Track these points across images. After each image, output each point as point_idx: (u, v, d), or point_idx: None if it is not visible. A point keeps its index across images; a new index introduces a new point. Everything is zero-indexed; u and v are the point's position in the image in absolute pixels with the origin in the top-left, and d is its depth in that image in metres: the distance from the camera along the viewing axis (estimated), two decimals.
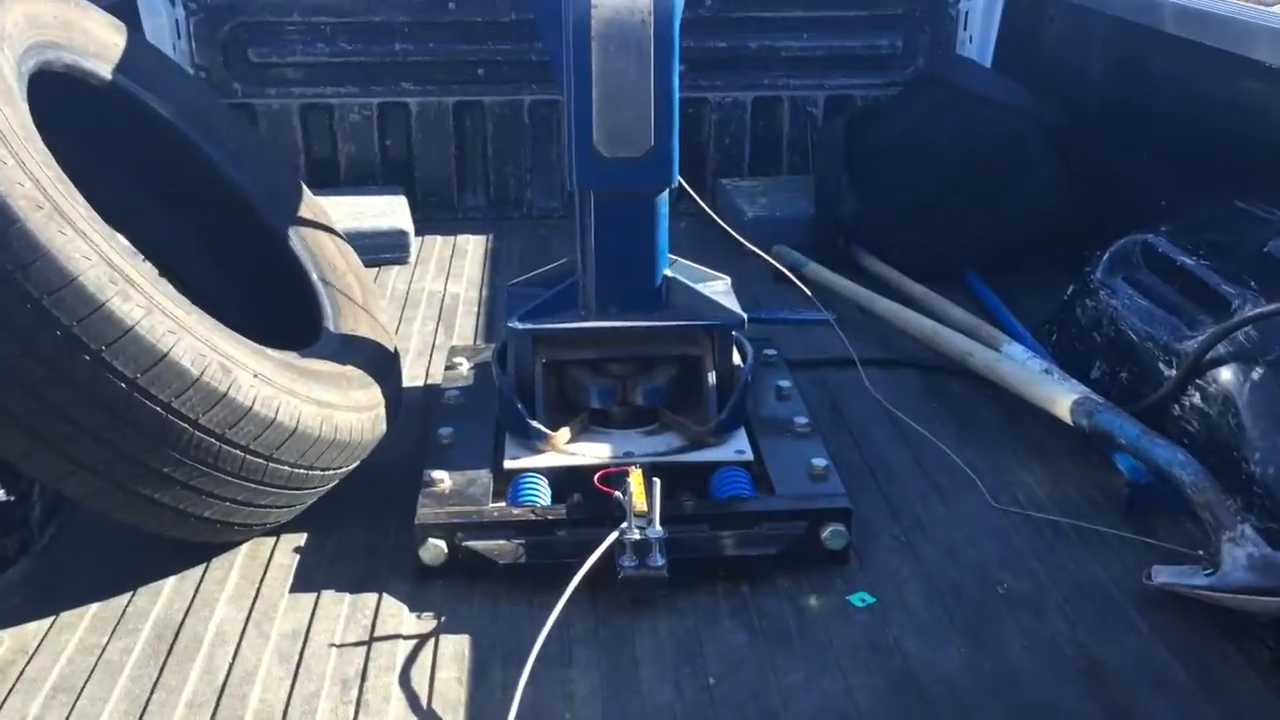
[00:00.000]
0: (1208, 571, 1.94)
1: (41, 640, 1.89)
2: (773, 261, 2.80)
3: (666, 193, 2.23)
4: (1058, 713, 1.76)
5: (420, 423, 2.50)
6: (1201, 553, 2.01)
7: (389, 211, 3.70)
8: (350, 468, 2.14)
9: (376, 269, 3.54)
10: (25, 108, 1.85)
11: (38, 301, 1.64)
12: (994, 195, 3.44)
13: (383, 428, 2.21)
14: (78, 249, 1.67)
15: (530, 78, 3.96)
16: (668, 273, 2.30)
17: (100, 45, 2.38)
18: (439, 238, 3.82)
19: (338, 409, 2.05)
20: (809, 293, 2.72)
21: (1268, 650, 1.86)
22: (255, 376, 1.86)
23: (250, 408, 1.84)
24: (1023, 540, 2.17)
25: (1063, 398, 2.41)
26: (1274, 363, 2.22)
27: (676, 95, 2.12)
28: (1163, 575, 1.99)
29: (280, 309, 2.48)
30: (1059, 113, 3.50)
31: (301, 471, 1.99)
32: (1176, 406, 2.34)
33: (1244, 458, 2.13)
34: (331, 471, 2.08)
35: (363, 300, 2.54)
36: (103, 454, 1.76)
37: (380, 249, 3.54)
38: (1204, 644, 1.89)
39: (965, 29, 4.03)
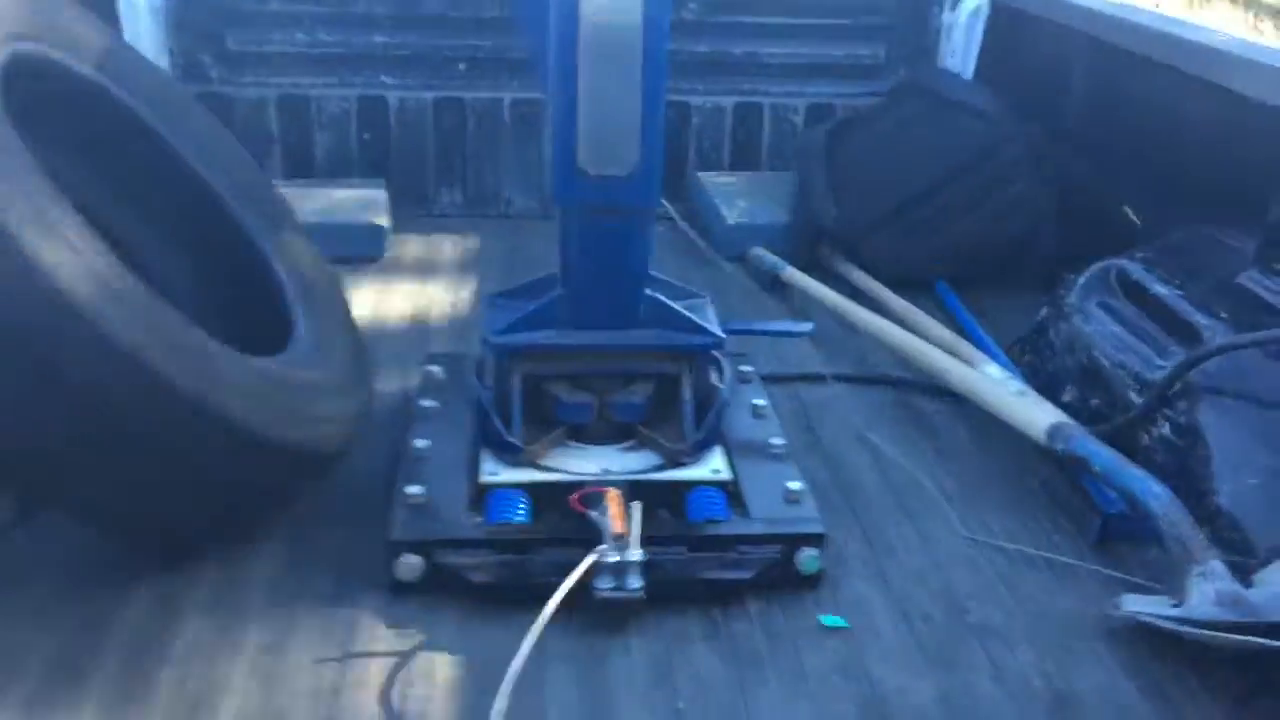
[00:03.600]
0: (1175, 604, 1.97)
1: (7, 651, 1.87)
2: (749, 268, 2.79)
3: (650, 210, 2.23)
4: None
5: (393, 432, 2.48)
6: (1166, 589, 2.03)
7: (366, 206, 3.66)
8: (321, 475, 2.13)
9: (351, 266, 3.50)
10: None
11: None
12: (968, 206, 3.46)
13: (352, 436, 2.20)
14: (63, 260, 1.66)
15: (512, 75, 3.94)
16: (648, 290, 2.30)
17: (71, 38, 2.34)
18: (414, 235, 3.79)
19: (313, 421, 2.04)
20: (785, 306, 2.73)
21: (1232, 689, 1.89)
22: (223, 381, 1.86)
23: (221, 414, 1.83)
24: (992, 568, 2.20)
25: (1039, 422, 2.43)
26: (1243, 395, 2.26)
27: (662, 116, 2.12)
28: (1131, 604, 2.01)
29: (250, 311, 2.46)
30: (1037, 127, 3.53)
31: (270, 481, 1.98)
32: (1145, 436, 2.37)
33: (1211, 489, 2.16)
34: (303, 480, 2.07)
35: (335, 306, 2.53)
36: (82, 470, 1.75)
37: (354, 244, 3.49)
38: (1170, 678, 1.91)
39: (948, 41, 4.05)
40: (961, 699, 1.86)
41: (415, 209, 3.95)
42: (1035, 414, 2.48)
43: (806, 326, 2.85)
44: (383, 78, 3.93)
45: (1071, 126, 3.59)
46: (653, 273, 2.33)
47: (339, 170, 3.95)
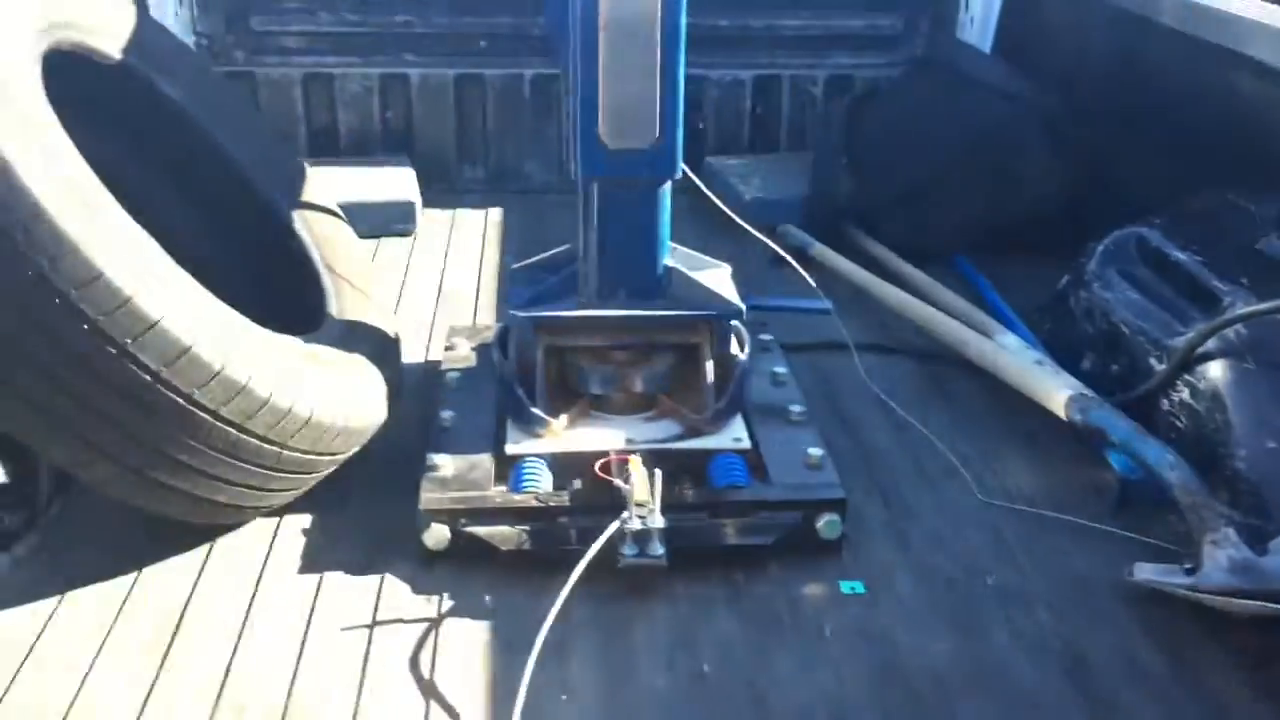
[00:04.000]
0: (1188, 568, 1.99)
1: (49, 619, 1.93)
2: (777, 249, 2.82)
3: (669, 183, 2.26)
4: (1041, 704, 1.81)
5: (420, 403, 2.52)
6: (1183, 552, 2.05)
7: (397, 183, 3.71)
8: (355, 450, 2.18)
9: (376, 242, 3.55)
10: (43, 94, 1.86)
11: (66, 296, 1.66)
12: (987, 181, 3.47)
13: (385, 413, 2.24)
14: (103, 242, 1.69)
15: (531, 51, 3.96)
16: (668, 261, 2.33)
17: (105, 22, 2.38)
18: (437, 210, 3.83)
19: (347, 397, 2.08)
20: (810, 280, 2.74)
21: (1251, 651, 1.91)
22: (273, 368, 1.90)
23: (268, 399, 1.87)
24: (1011, 532, 2.22)
25: (1058, 393, 2.44)
26: (1263, 360, 2.27)
27: (682, 87, 2.14)
28: (1144, 572, 2.04)
29: (281, 289, 2.50)
30: (1056, 100, 3.52)
31: (312, 457, 2.03)
32: (1165, 401, 2.38)
33: (1230, 454, 2.18)
34: (339, 456, 2.12)
35: (362, 281, 2.57)
36: (123, 443, 1.80)
37: (387, 221, 3.57)
38: (1187, 641, 1.94)
39: (966, 11, 4.04)
40: (979, 660, 1.90)
41: (438, 185, 3.99)
42: (1053, 385, 2.50)
43: (826, 304, 2.87)
44: (405, 55, 3.95)
45: (1090, 95, 3.58)
46: (673, 244, 2.36)
47: (362, 148, 3.99)
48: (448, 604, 1.99)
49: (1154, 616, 1.99)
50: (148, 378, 1.74)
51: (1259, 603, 1.83)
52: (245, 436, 1.89)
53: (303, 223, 2.57)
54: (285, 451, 1.96)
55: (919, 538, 2.21)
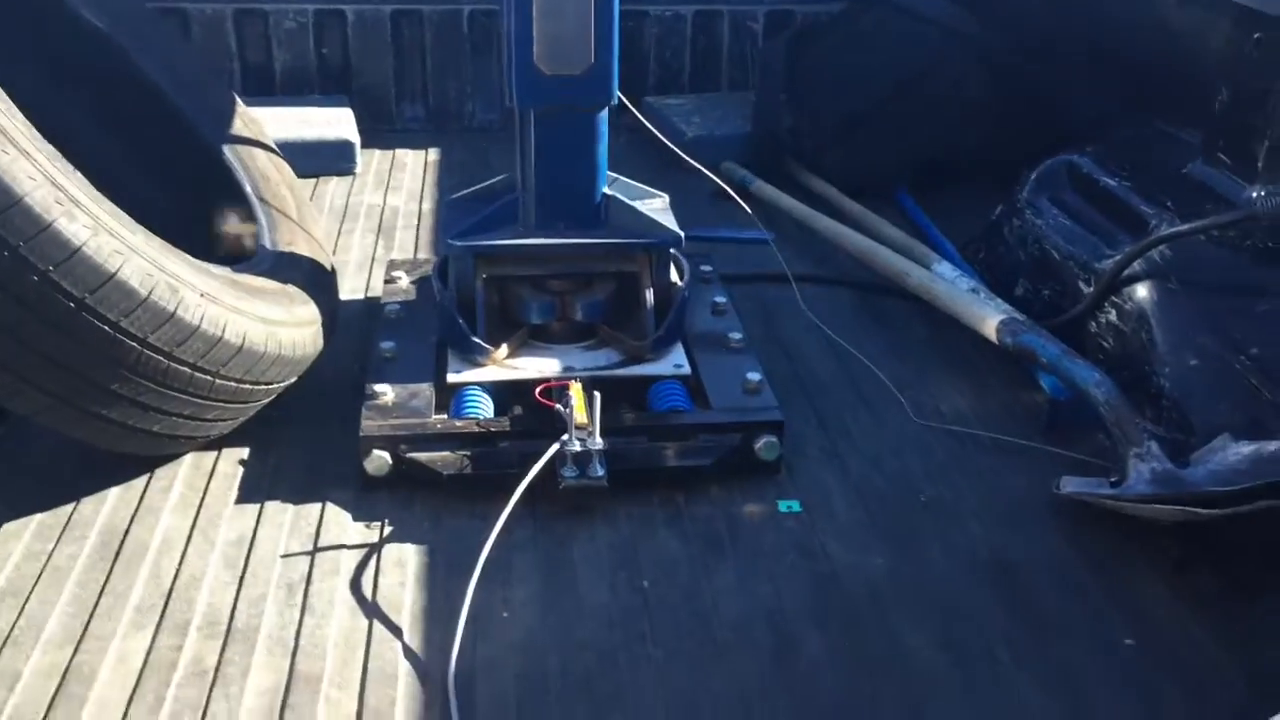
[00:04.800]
0: (1114, 481, 2.05)
1: None
2: (719, 181, 2.83)
3: (606, 110, 2.26)
4: (972, 613, 1.86)
5: (360, 336, 2.53)
6: (1110, 467, 2.11)
7: (335, 122, 3.67)
8: (291, 381, 2.17)
9: (315, 180, 3.52)
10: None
11: None
12: (925, 115, 3.50)
13: (322, 342, 2.23)
14: (22, 169, 1.67)
15: None
16: (607, 190, 2.33)
17: None
18: (377, 150, 3.79)
19: (281, 325, 2.07)
20: (751, 212, 2.77)
21: (1172, 557, 1.98)
22: (201, 295, 1.88)
23: (197, 326, 1.86)
24: (945, 452, 2.27)
25: (990, 318, 2.49)
26: (1186, 280, 2.33)
27: (616, 11, 2.14)
28: (1070, 485, 2.10)
29: (214, 222, 2.48)
30: (993, 33, 3.55)
31: (246, 386, 2.02)
32: (1093, 323, 2.44)
33: (1155, 372, 2.24)
34: (275, 385, 2.11)
35: (298, 214, 2.55)
36: (50, 372, 1.78)
37: (327, 159, 3.53)
38: (1111, 549, 2.00)
39: None
40: (912, 571, 1.95)
41: (378, 124, 3.95)
42: (985, 310, 2.54)
43: (765, 235, 2.90)
44: None
45: (1024, 27, 3.61)
46: (612, 174, 2.37)
47: (299, 87, 3.94)
48: (389, 529, 2.01)
49: (1080, 528, 2.05)
50: (72, 305, 1.72)
51: (1178, 508, 1.89)
52: (176, 365, 1.87)
53: (234, 154, 2.54)
54: (218, 380, 1.95)
55: (855, 459, 2.25)
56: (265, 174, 2.59)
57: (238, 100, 2.79)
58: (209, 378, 1.93)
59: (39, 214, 1.67)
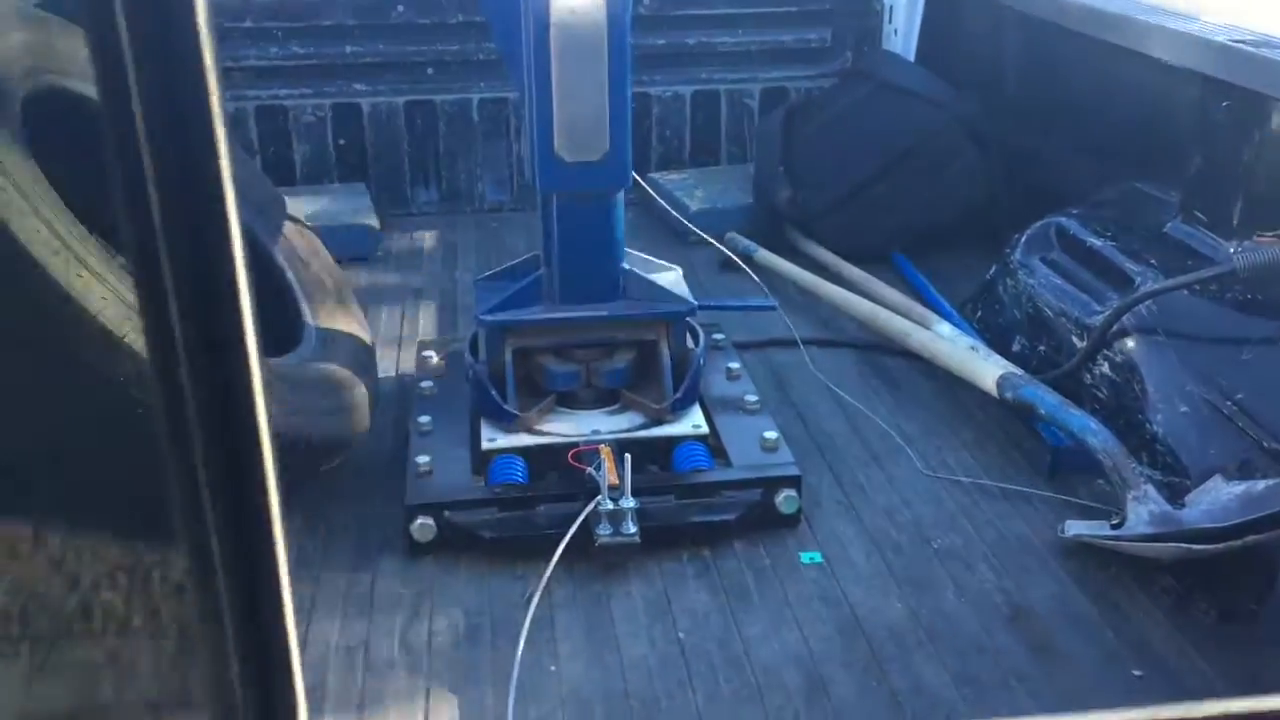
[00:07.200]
0: (1114, 524, 2.19)
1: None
2: (726, 250, 2.99)
3: (622, 192, 2.43)
4: (986, 651, 1.99)
5: (397, 412, 2.67)
6: (1110, 510, 2.25)
7: (355, 209, 3.84)
8: (338, 461, 2.31)
9: (340, 265, 3.68)
10: (26, 149, 1.97)
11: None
12: (917, 183, 3.69)
13: (367, 423, 2.37)
14: (95, 290, 1.82)
15: (479, 76, 4.12)
16: (624, 265, 2.50)
17: (77, 63, 2.50)
18: (394, 232, 3.97)
19: (329, 414, 2.22)
20: (758, 279, 2.92)
21: (1171, 592, 2.11)
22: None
23: None
24: (953, 501, 2.41)
25: (990, 374, 2.64)
26: (1172, 333, 2.48)
27: (629, 102, 2.32)
28: (1074, 528, 2.23)
29: (259, 308, 2.62)
30: (976, 104, 3.75)
31: (296, 473, 2.16)
32: (1087, 375, 2.59)
33: (1147, 419, 2.38)
34: (321, 469, 2.25)
35: (337, 297, 2.70)
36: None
37: (349, 245, 3.68)
38: (1115, 587, 2.13)
39: (890, 22, 4.26)
40: (929, 615, 2.07)
41: (394, 209, 4.13)
42: (984, 367, 2.69)
43: (771, 301, 3.05)
44: (355, 85, 4.09)
45: (1009, 97, 3.81)
46: (628, 249, 2.53)
47: (317, 176, 4.11)
48: (436, 591, 2.13)
49: (1085, 568, 2.19)
50: (140, 411, 1.86)
51: (1175, 545, 2.03)
52: None
53: (273, 239, 2.70)
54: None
55: (870, 511, 2.38)
56: (304, 257, 2.75)
57: (271, 185, 2.94)
58: None
59: (111, 330, 1.82)
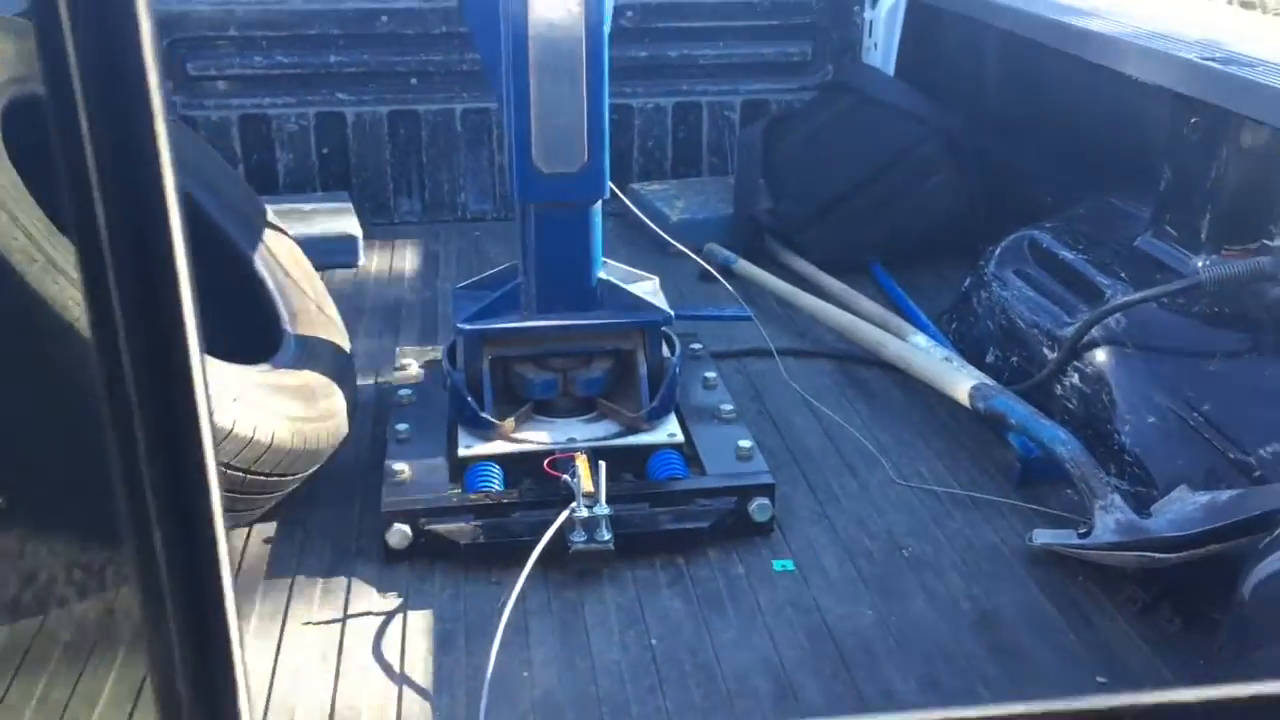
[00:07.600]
0: (1082, 533, 2.22)
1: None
2: (702, 263, 3.02)
3: (599, 203, 2.46)
4: (954, 657, 2.02)
5: (374, 420, 2.69)
6: (1078, 519, 2.28)
7: (338, 217, 3.86)
8: (316, 468, 2.33)
9: (321, 274, 3.70)
10: (5, 156, 1.99)
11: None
12: (896, 196, 3.73)
13: (344, 430, 2.39)
14: (71, 296, 1.84)
15: (461, 86, 4.15)
16: (601, 275, 2.52)
17: None
18: (377, 241, 3.98)
19: (307, 421, 2.23)
20: (732, 290, 2.96)
21: (1137, 600, 2.14)
22: (234, 400, 2.04)
23: (230, 430, 2.02)
24: (925, 510, 2.44)
25: (962, 384, 2.67)
26: (1141, 345, 2.52)
27: (606, 115, 2.35)
28: (1042, 537, 2.26)
29: (239, 315, 2.64)
30: (955, 117, 3.79)
31: (275, 479, 2.18)
32: (1058, 386, 2.63)
33: (1116, 430, 2.42)
34: (301, 475, 2.26)
35: (317, 304, 2.72)
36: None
37: (332, 254, 3.69)
38: (1081, 595, 2.16)
39: (870, 36, 4.30)
40: (899, 621, 2.10)
41: (376, 218, 4.15)
42: (958, 378, 2.73)
43: (746, 311, 3.09)
44: (339, 94, 4.11)
45: (987, 111, 3.85)
46: (605, 259, 2.56)
47: (301, 185, 4.13)
48: (411, 597, 2.15)
49: (1052, 576, 2.22)
50: None
51: (1140, 553, 2.06)
52: None
53: (252, 245, 2.71)
54: (248, 477, 2.11)
55: (843, 519, 2.41)
56: (285, 265, 2.76)
57: (254, 194, 2.96)
58: (240, 474, 2.09)
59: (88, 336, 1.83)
